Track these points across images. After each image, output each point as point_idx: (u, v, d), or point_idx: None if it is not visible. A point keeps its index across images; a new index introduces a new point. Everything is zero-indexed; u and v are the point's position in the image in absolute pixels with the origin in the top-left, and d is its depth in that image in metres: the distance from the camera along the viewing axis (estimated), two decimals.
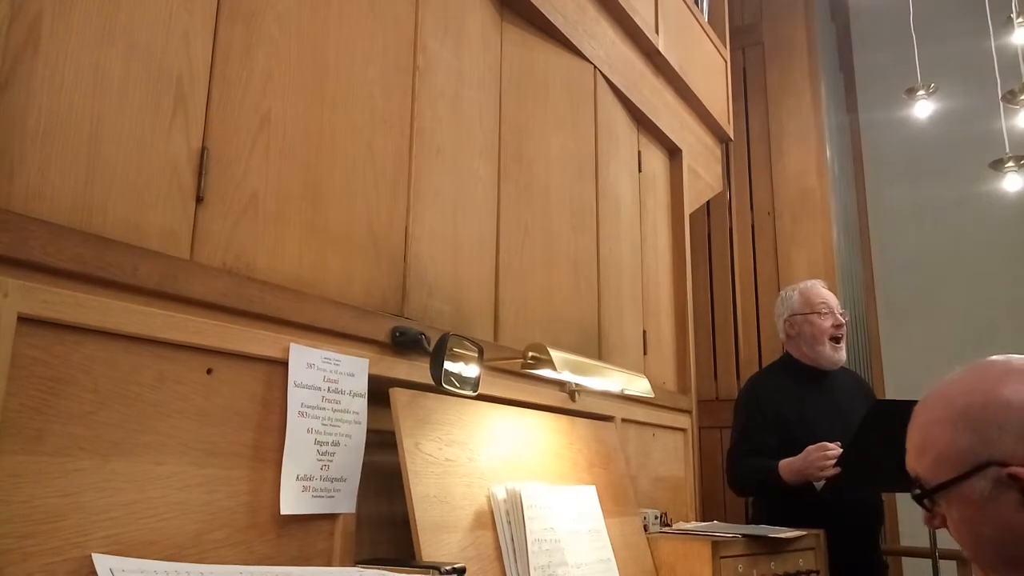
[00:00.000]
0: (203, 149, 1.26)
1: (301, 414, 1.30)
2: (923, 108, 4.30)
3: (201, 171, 1.25)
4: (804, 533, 2.25)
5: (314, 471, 1.30)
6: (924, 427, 1.12)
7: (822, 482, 2.54)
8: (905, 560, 4.00)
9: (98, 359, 1.04)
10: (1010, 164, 4.19)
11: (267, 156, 1.36)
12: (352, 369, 1.42)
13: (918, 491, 1.13)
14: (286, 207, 1.39)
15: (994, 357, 1.13)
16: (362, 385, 1.44)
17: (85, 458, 1.00)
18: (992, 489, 1.03)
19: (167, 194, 1.20)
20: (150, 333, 1.10)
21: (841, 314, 2.85)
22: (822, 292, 2.88)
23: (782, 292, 3.01)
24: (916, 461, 1.13)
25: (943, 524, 1.12)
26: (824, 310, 2.82)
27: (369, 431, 1.45)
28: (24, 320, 0.96)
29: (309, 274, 1.41)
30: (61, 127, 1.07)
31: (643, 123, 2.93)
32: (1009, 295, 5.00)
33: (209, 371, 1.18)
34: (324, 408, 1.35)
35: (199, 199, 1.24)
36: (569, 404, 2.13)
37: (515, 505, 1.58)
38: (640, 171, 2.90)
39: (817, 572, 2.23)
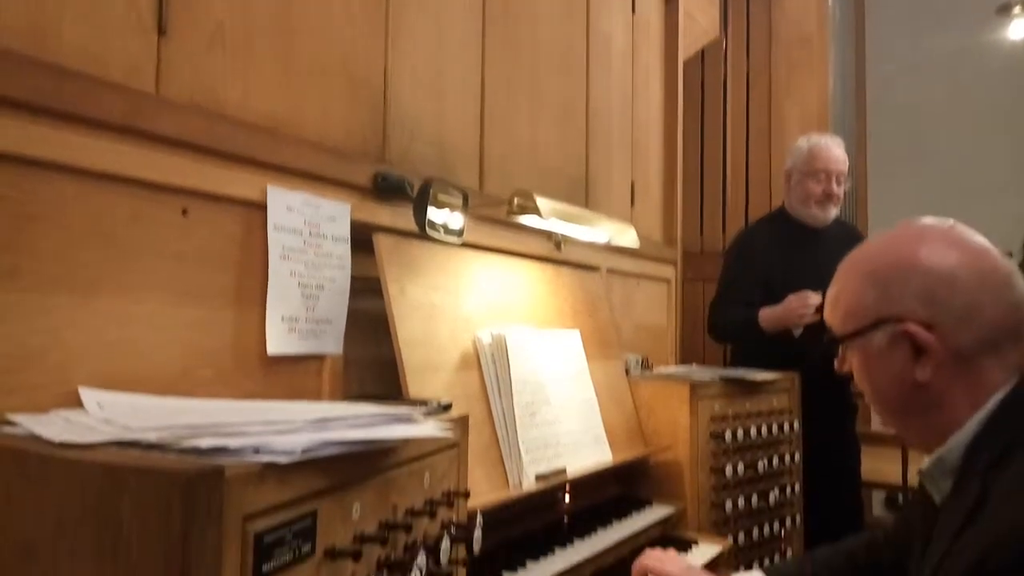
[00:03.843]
0: None
1: (283, 257, 1.29)
2: None
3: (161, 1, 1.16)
4: (779, 376, 2.34)
5: (299, 312, 1.31)
6: (840, 280, 1.18)
7: (800, 329, 2.61)
8: None
9: (68, 196, 1.01)
10: (1017, 9, 4.01)
11: None
12: (333, 213, 1.39)
13: (826, 340, 1.20)
14: (255, 40, 1.30)
15: (923, 219, 1.16)
16: (344, 230, 1.42)
17: (62, 295, 0.99)
18: (888, 343, 1.09)
19: (125, 24, 1.11)
20: (120, 171, 1.06)
21: (839, 180, 2.81)
22: (827, 156, 2.81)
23: (800, 138, 2.94)
24: (830, 312, 1.20)
25: (850, 371, 1.19)
26: (821, 177, 2.78)
27: (354, 278, 1.45)
28: None
29: (284, 112, 1.35)
30: None
31: None
32: (1002, 150, 4.95)
33: (184, 212, 1.15)
34: (306, 252, 1.34)
35: (161, 31, 1.16)
36: (555, 254, 2.13)
37: (500, 347, 1.61)
38: (633, 12, 2.75)
39: (791, 411, 2.34)
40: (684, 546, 1.81)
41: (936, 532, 1.09)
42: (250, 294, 1.25)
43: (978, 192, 4.81)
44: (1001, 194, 4.79)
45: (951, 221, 1.16)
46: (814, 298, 2.56)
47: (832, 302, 1.20)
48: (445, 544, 0.98)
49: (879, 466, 3.18)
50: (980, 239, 1.13)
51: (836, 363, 1.22)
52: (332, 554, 0.81)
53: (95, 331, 1.02)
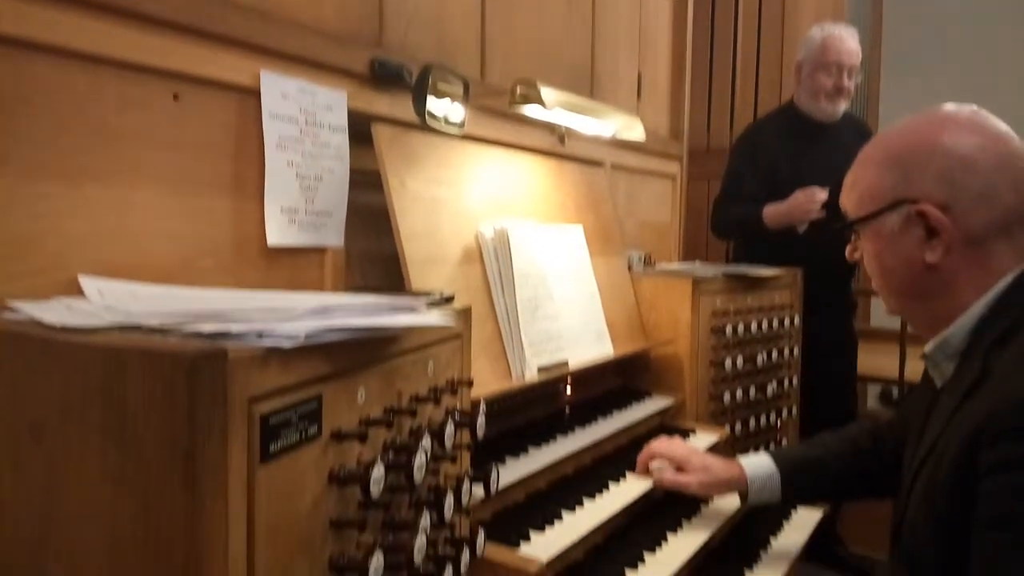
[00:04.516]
0: None
1: (280, 147, 1.26)
2: None
3: None
4: (782, 272, 2.33)
5: (298, 204, 1.29)
6: (860, 164, 1.19)
7: (804, 226, 2.59)
8: (874, 299, 4.23)
9: (52, 79, 0.97)
10: None
11: None
12: (329, 101, 1.35)
13: (838, 224, 1.22)
14: None
15: (946, 105, 1.16)
16: (341, 119, 1.37)
17: (53, 183, 0.96)
18: (902, 225, 1.11)
19: None
20: (107, 52, 1.02)
21: (851, 74, 2.72)
22: (840, 48, 2.71)
23: (813, 28, 2.84)
24: (846, 196, 1.21)
25: (861, 257, 1.21)
26: (832, 70, 2.70)
27: (353, 171, 1.42)
28: None
29: None
30: None
31: None
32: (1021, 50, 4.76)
33: (176, 97, 1.11)
34: (303, 141, 1.30)
35: None
36: (558, 148, 2.09)
37: (502, 241, 1.59)
38: None
39: (792, 306, 2.35)
40: (682, 435, 1.85)
41: (935, 413, 1.11)
42: (248, 185, 1.23)
43: (995, 89, 4.66)
44: (1020, 92, 4.64)
45: (974, 107, 1.15)
46: (821, 194, 2.52)
47: (849, 186, 1.20)
48: (450, 429, 1.00)
49: (876, 361, 3.22)
50: (1002, 125, 1.13)
51: (847, 250, 1.23)
52: (338, 436, 0.82)
53: (92, 219, 1.00)
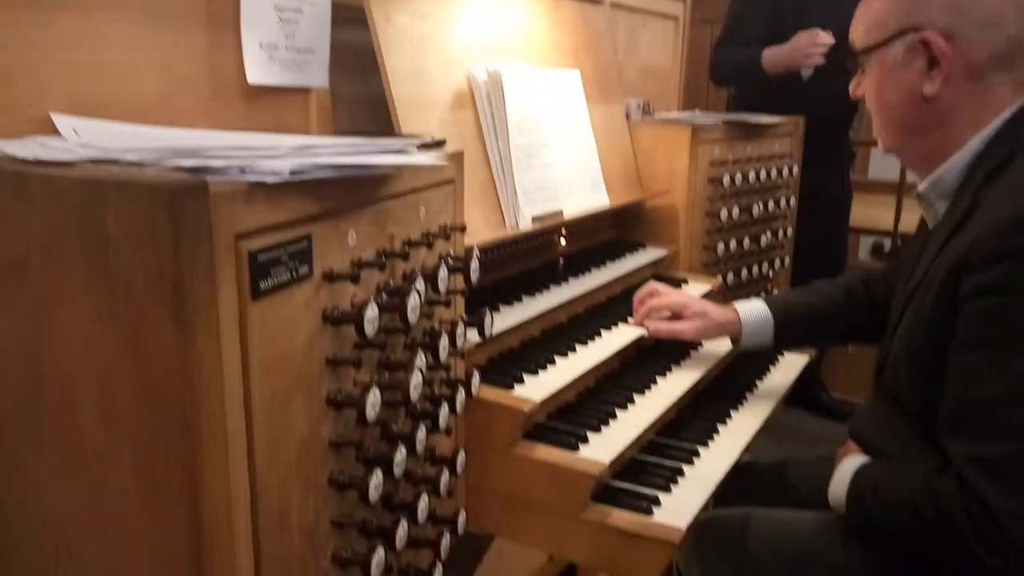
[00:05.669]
0: None
1: None
2: None
3: None
4: (783, 120, 2.27)
5: (278, 40, 1.21)
6: None
7: (810, 71, 2.49)
8: (873, 150, 4.17)
9: None
10: None
11: None
12: None
13: (844, 55, 1.22)
14: None
15: None
16: None
17: (21, 9, 0.89)
18: (905, 55, 1.10)
19: None
20: None
21: None
22: None
23: None
24: (854, 30, 1.20)
25: (863, 94, 1.20)
26: None
27: (336, 6, 1.33)
28: None
29: None
30: None
31: None
32: None
33: None
34: None
35: None
36: None
37: (496, 85, 1.52)
38: None
39: (791, 156, 2.30)
40: (674, 284, 1.86)
41: (925, 253, 1.11)
42: (223, 16, 1.14)
43: None
44: None
45: None
46: (824, 37, 2.41)
47: (857, 20, 1.18)
48: (443, 273, 0.99)
49: (871, 213, 3.21)
50: None
51: (851, 85, 1.21)
52: (330, 277, 0.81)
53: (62, 50, 0.93)
